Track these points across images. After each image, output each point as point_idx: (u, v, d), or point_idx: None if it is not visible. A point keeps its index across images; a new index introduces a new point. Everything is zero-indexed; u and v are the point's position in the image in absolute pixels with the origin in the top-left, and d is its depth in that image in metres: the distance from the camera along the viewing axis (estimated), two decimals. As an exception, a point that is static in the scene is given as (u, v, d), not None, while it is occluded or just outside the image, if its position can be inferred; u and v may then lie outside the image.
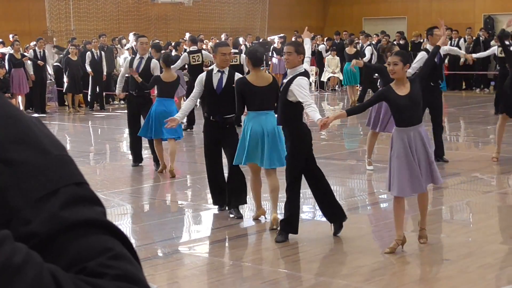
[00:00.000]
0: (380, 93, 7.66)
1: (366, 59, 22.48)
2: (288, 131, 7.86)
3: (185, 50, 18.83)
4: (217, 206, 9.20)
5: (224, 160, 9.02)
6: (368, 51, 24.01)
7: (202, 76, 9.05)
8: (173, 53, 19.36)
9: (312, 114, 7.63)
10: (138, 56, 12.23)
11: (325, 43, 28.66)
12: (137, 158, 12.51)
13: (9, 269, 0.94)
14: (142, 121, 11.95)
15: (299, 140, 7.81)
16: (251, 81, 8.37)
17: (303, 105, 7.72)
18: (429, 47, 11.33)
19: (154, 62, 12.21)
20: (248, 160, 8.40)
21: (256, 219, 8.82)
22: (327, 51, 27.60)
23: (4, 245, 0.96)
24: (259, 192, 8.73)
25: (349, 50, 23.37)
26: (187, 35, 26.30)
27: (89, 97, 22.24)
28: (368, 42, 24.96)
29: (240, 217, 8.91)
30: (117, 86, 12.58)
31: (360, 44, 25.16)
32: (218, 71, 8.95)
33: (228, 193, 8.94)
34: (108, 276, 1.03)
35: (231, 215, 8.91)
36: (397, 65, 7.35)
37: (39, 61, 21.04)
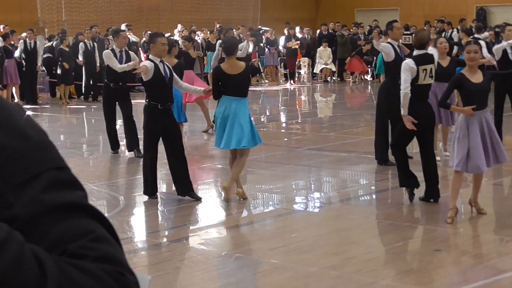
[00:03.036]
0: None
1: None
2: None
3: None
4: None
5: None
6: None
7: (151, 64, 9.27)
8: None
9: None
10: (117, 49, 12.60)
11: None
12: (116, 145, 12.98)
13: None
14: (118, 110, 12.70)
15: None
16: (224, 69, 8.97)
17: None
18: (390, 40, 11.26)
19: (132, 54, 12.88)
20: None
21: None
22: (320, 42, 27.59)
23: None
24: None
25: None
26: (179, 26, 26.29)
27: (83, 88, 22.20)
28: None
29: (198, 198, 9.35)
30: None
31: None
32: (161, 61, 9.31)
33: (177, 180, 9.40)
34: (89, 258, 1.04)
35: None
36: (477, 53, 8.07)
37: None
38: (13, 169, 1.06)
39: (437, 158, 11.28)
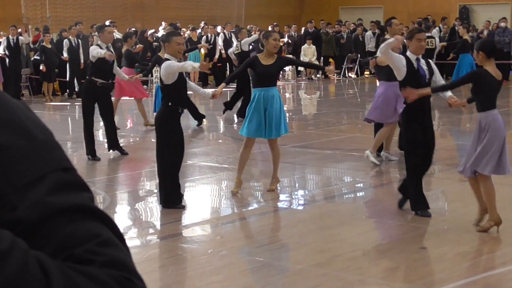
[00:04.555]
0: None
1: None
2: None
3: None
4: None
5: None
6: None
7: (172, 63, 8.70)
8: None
9: None
10: (104, 45, 12.04)
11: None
12: (94, 151, 12.09)
13: None
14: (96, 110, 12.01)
15: None
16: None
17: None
18: (388, 37, 11.24)
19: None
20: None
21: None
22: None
23: None
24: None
25: None
26: (163, 23, 26.21)
27: (67, 85, 22.09)
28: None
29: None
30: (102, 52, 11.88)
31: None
32: (179, 60, 8.85)
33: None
34: (95, 263, 1.01)
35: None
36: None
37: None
38: (17, 170, 1.03)
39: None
